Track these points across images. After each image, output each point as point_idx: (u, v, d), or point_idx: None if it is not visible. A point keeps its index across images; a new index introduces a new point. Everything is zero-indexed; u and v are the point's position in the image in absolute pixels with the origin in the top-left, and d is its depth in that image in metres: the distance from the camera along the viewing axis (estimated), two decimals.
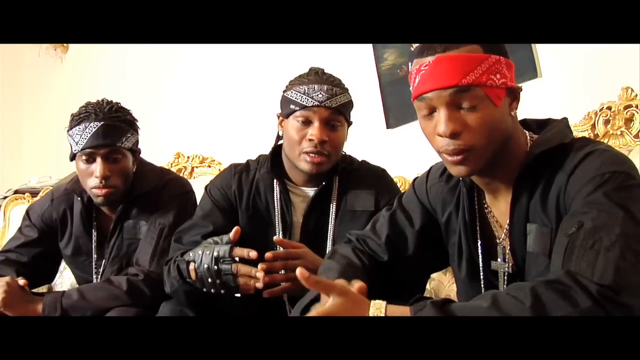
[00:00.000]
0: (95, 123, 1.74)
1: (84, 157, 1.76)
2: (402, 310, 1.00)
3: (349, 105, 1.66)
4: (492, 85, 1.07)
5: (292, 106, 1.62)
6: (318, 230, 1.66)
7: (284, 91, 1.66)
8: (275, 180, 1.69)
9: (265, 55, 2.99)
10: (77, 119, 1.77)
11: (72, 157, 1.81)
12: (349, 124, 1.69)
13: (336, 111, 1.60)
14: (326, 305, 1.03)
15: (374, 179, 1.71)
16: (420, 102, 1.11)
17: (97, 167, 1.75)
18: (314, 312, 1.03)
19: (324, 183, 1.66)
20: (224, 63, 3.25)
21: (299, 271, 1.04)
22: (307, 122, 1.60)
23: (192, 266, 1.48)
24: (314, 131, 1.58)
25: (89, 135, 1.74)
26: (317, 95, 1.59)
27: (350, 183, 1.69)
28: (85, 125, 1.74)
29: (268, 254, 1.43)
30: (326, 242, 1.65)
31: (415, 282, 1.46)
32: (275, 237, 1.45)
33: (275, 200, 1.68)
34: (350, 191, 1.67)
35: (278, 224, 1.67)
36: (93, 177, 1.77)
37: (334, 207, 1.67)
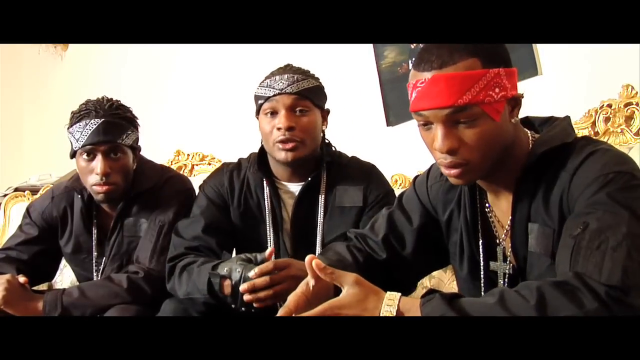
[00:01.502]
0: (96, 120, 1.74)
1: (84, 154, 1.76)
2: (413, 303, 1.01)
3: (315, 90, 1.65)
4: (490, 102, 1.05)
5: (259, 102, 1.64)
6: (307, 226, 1.66)
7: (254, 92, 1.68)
8: (264, 179, 1.69)
9: (265, 55, 2.98)
10: (78, 117, 1.77)
11: (73, 155, 1.81)
12: (323, 110, 1.69)
13: (300, 96, 1.60)
14: (340, 295, 1.03)
15: (362, 174, 1.70)
16: (417, 116, 1.10)
17: (98, 164, 1.75)
18: (327, 304, 1.02)
19: (309, 178, 1.66)
20: (224, 62, 3.24)
21: (315, 262, 1.06)
22: (274, 113, 1.61)
23: (227, 282, 1.43)
24: (280, 119, 1.59)
25: (89, 132, 1.74)
26: (278, 84, 1.60)
27: (339, 178, 1.69)
28: (86, 122, 1.74)
29: (252, 274, 1.37)
30: (316, 238, 1.65)
31: (414, 280, 1.47)
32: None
33: (266, 197, 1.69)
34: (338, 187, 1.68)
35: (268, 220, 1.68)
36: (93, 174, 1.76)
37: (323, 203, 1.67)
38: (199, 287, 1.48)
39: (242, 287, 1.37)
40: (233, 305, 1.42)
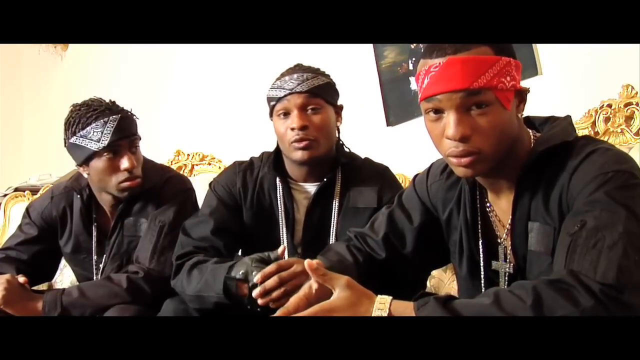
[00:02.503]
0: (114, 116, 1.74)
1: (109, 153, 1.74)
2: (405, 306, 1.00)
3: (326, 87, 1.64)
4: (502, 89, 1.06)
5: (272, 103, 1.64)
6: (321, 227, 1.66)
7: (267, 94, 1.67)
8: (277, 179, 1.69)
9: (265, 54, 2.98)
10: (88, 118, 1.73)
11: (86, 160, 1.76)
12: (336, 107, 1.68)
13: (311, 94, 1.60)
14: (331, 298, 1.04)
15: (376, 176, 1.70)
16: (429, 103, 1.10)
17: (124, 159, 1.75)
18: (318, 306, 1.02)
19: (325, 179, 1.66)
20: (224, 62, 3.24)
21: (306, 262, 1.06)
22: (287, 114, 1.61)
23: (245, 285, 1.42)
24: (292, 119, 1.59)
25: (112, 129, 1.72)
26: (288, 84, 1.60)
27: (353, 180, 1.68)
28: (104, 121, 1.72)
29: (256, 279, 1.37)
30: (329, 239, 1.65)
31: (415, 279, 1.47)
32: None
33: (279, 198, 1.68)
34: (353, 188, 1.67)
35: (281, 221, 1.67)
36: (120, 171, 1.76)
37: (337, 204, 1.66)
38: (215, 287, 1.47)
39: (254, 292, 1.36)
40: (249, 307, 1.42)
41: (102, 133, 1.72)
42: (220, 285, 1.45)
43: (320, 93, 1.62)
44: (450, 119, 1.07)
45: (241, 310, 1.45)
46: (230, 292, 1.44)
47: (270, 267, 1.37)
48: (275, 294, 1.35)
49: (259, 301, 1.37)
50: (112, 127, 1.72)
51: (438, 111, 1.09)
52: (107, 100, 1.80)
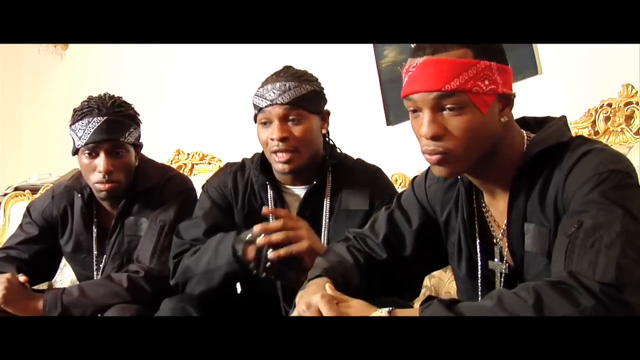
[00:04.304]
0: (99, 118, 1.74)
1: (87, 152, 1.76)
2: (404, 312, 1.02)
3: (309, 96, 1.60)
4: (478, 92, 1.07)
5: (255, 111, 1.64)
6: (312, 229, 1.65)
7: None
8: (267, 182, 1.69)
9: (265, 55, 2.98)
10: (80, 114, 1.77)
11: (75, 152, 1.81)
12: (320, 114, 1.66)
13: (292, 105, 1.57)
14: None
15: (368, 177, 1.69)
16: (407, 101, 1.13)
17: (101, 162, 1.75)
18: None
19: (314, 182, 1.65)
20: (224, 61, 3.24)
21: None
22: (268, 124, 1.59)
23: (251, 247, 1.47)
24: (273, 130, 1.57)
25: (92, 130, 1.73)
26: (269, 94, 1.58)
27: (344, 182, 1.67)
28: (89, 120, 1.74)
29: (258, 227, 1.46)
30: (321, 241, 1.64)
31: (415, 280, 1.47)
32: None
33: (269, 200, 1.68)
34: (344, 190, 1.66)
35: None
36: (96, 172, 1.76)
37: (328, 206, 1.66)
38: (224, 254, 1.50)
39: (259, 240, 1.44)
40: (255, 271, 1.45)
41: (83, 132, 1.75)
42: (229, 251, 1.49)
43: (302, 104, 1.58)
44: (424, 117, 1.10)
45: (248, 278, 1.50)
46: (237, 256, 1.47)
47: (276, 223, 1.46)
48: (275, 237, 1.43)
49: (270, 255, 1.43)
50: (92, 128, 1.74)
51: (416, 110, 1.11)
52: (107, 99, 1.80)
